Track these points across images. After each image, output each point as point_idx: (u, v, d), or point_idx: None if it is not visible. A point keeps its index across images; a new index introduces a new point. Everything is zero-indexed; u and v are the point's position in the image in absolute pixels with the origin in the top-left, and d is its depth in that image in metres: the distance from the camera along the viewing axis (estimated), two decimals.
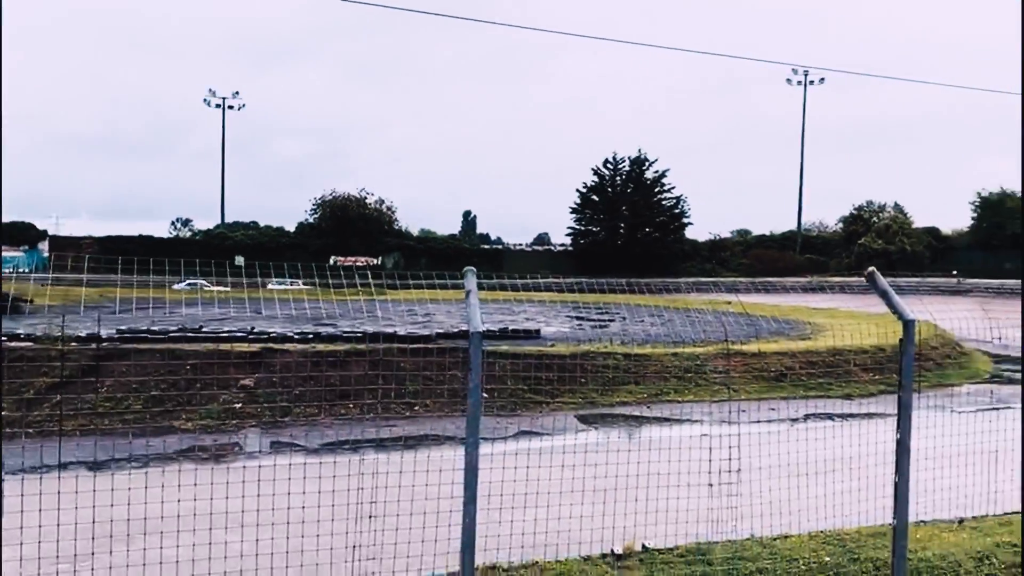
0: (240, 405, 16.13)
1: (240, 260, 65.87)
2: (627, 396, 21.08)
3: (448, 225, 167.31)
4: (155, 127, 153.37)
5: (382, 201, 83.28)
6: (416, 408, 17.09)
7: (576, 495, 7.13)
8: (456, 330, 22.38)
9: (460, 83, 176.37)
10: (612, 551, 7.20)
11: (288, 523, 6.24)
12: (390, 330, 21.72)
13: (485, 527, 6.32)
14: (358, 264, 72.40)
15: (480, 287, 4.79)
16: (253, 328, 21.91)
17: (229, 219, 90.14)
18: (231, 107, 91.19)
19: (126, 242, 72.15)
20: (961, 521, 8.51)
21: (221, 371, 17.07)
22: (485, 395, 17.91)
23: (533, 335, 25.77)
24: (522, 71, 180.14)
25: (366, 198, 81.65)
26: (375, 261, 76.89)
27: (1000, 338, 26.27)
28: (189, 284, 43.84)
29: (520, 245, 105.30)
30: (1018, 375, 26.73)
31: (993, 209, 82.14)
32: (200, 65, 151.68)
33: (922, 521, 8.42)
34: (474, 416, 4.44)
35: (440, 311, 35.03)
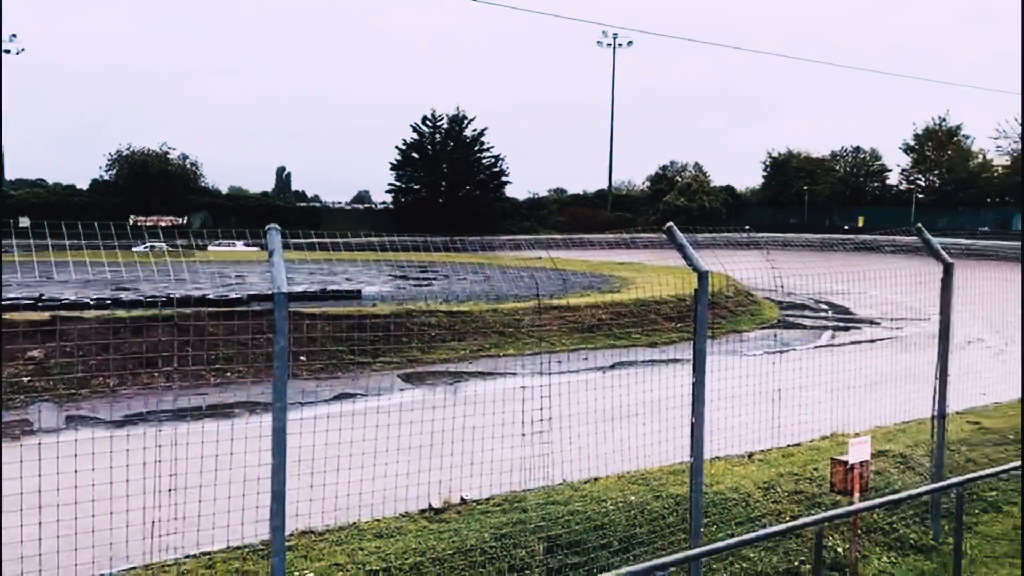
0: (29, 379, 14.76)
1: (25, 221, 60.04)
2: (449, 353, 21.28)
3: (261, 183, 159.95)
4: None
5: (186, 157, 78.23)
6: (228, 375, 16.37)
7: (395, 454, 7.11)
8: (270, 292, 21.57)
9: (276, 36, 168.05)
10: (430, 506, 7.28)
11: (83, 502, 5.79)
12: (198, 293, 20.58)
13: (299, 492, 6.17)
14: (162, 224, 67.82)
15: (297, 247, 4.58)
16: (42, 295, 20.03)
17: (11, 176, 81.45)
18: (7, 51, 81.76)
19: None
20: (751, 455, 9.31)
21: (7, 342, 15.51)
22: (303, 358, 17.44)
23: (353, 295, 25.33)
24: (342, 25, 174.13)
25: (168, 153, 76.34)
26: (181, 220, 72.31)
27: (782, 287, 28.87)
28: None
29: (339, 203, 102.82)
30: (800, 319, 29.52)
31: (780, 169, 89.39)
32: None
33: (717, 457, 9.12)
34: (281, 380, 4.27)
35: (254, 272, 33.61)
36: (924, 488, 6.56)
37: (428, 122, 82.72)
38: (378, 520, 6.99)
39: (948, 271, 7.45)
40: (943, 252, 7.36)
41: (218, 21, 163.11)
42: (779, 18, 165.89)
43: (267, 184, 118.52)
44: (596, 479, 8.10)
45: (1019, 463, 7.30)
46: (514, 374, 17.55)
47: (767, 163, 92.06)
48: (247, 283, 27.89)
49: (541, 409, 6.80)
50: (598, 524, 6.57)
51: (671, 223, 6.15)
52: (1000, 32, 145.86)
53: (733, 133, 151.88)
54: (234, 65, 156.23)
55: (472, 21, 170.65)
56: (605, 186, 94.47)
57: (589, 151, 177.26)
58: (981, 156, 79.50)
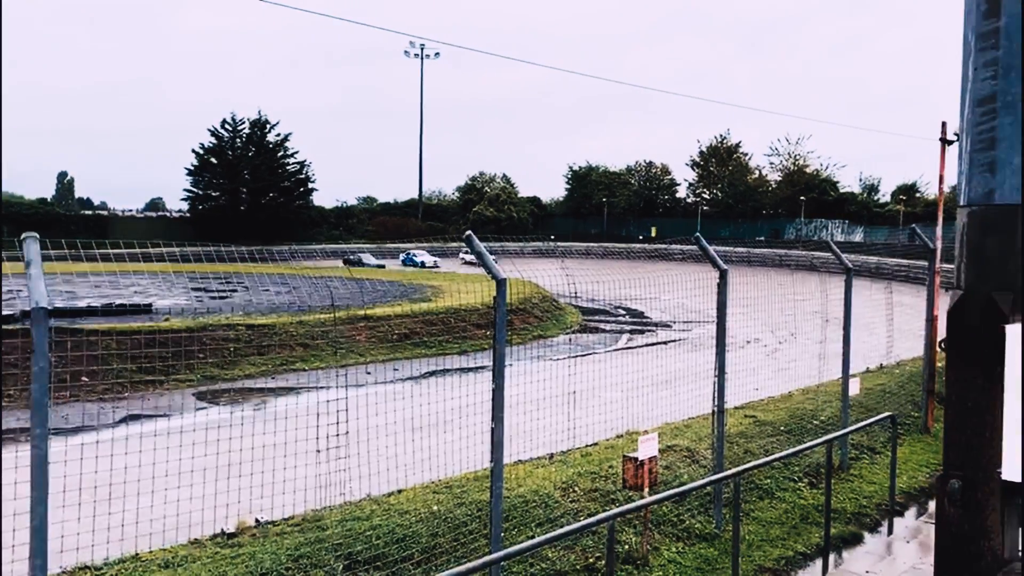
0: None
1: None
2: (251, 369, 20.36)
3: (39, 189, 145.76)
4: None
5: None
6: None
7: (187, 477, 6.68)
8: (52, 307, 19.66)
9: (62, 31, 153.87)
10: (223, 530, 6.89)
11: None
12: None
13: (80, 523, 5.64)
14: None
15: (76, 258, 4.16)
16: None
17: None
18: None
19: None
20: (551, 457, 9.60)
21: None
22: (84, 379, 16.03)
23: (144, 310, 23.66)
24: (137, 23, 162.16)
25: None
26: None
27: (576, 294, 30.29)
28: None
29: (130, 211, 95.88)
30: (601, 324, 30.97)
31: (581, 181, 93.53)
32: None
33: (520, 460, 9.33)
34: (40, 404, 3.87)
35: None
36: (706, 480, 7.05)
37: (228, 126, 78.97)
38: (165, 549, 6.53)
39: (723, 276, 8.07)
40: (719, 259, 7.95)
41: None
42: (579, 37, 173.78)
43: (47, 190, 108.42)
44: (400, 491, 8.02)
45: (790, 451, 8.01)
46: (321, 388, 17.07)
47: (569, 176, 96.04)
48: (22, 296, 25.26)
49: (345, 423, 6.64)
50: (400, 537, 6.49)
51: (470, 232, 6.22)
52: (772, 61, 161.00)
53: (538, 146, 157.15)
54: (11, 59, 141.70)
55: (277, 25, 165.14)
56: (416, 195, 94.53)
57: (399, 160, 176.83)
58: (758, 172, 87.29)
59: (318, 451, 6.48)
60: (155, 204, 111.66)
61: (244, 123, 79.22)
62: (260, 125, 79.48)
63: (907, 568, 6.86)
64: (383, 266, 54.52)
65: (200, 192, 79.15)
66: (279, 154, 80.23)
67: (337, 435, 6.99)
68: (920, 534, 8.32)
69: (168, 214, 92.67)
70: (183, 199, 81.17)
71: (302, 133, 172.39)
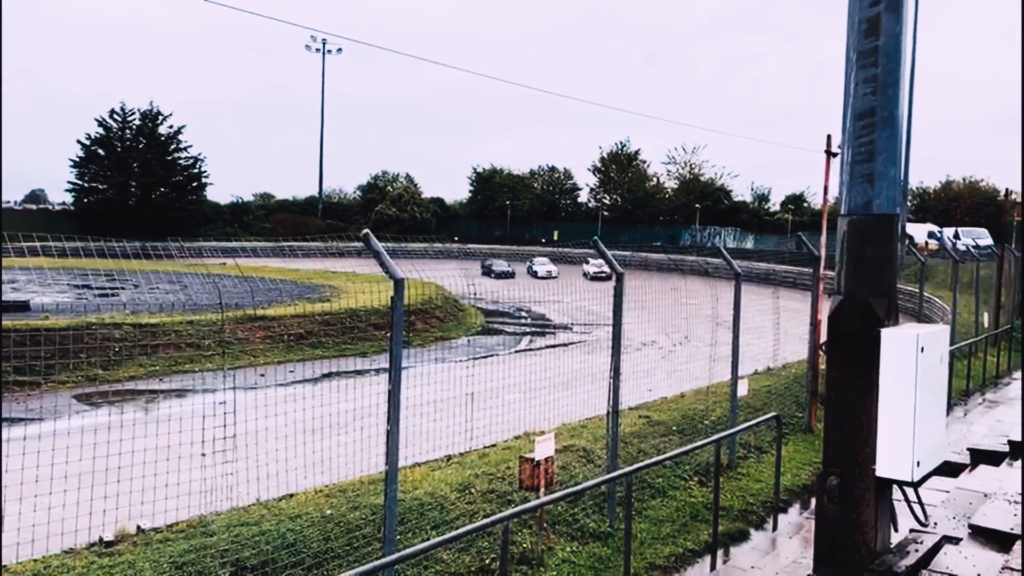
0: None
1: None
2: (137, 370, 19.50)
3: None
4: None
5: None
6: None
7: (62, 483, 6.30)
8: None
9: None
10: (101, 539, 6.53)
11: None
12: None
13: None
14: None
15: None
16: None
17: None
18: None
19: None
20: (449, 459, 9.55)
21: None
22: None
23: (20, 307, 22.33)
24: (15, 8, 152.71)
25: None
26: None
27: (475, 294, 30.42)
28: None
29: (9, 203, 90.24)
30: (503, 326, 31.11)
31: (485, 184, 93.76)
32: None
33: (417, 463, 9.24)
34: None
35: None
36: (599, 479, 7.14)
37: (117, 116, 75.36)
38: (36, 560, 6.14)
39: (620, 280, 8.21)
40: (616, 263, 8.09)
41: None
42: (484, 40, 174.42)
43: None
44: (292, 495, 7.81)
45: (680, 450, 8.21)
46: (213, 390, 16.47)
47: (473, 178, 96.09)
48: None
49: (235, 424, 6.41)
50: (291, 542, 6.31)
51: (367, 230, 6.12)
52: (669, 73, 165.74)
53: (442, 147, 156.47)
54: None
55: (175, 15, 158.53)
56: (315, 193, 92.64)
57: (298, 157, 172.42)
58: (656, 179, 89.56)
59: (203, 455, 6.22)
60: (35, 196, 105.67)
61: (135, 114, 75.85)
62: (151, 117, 76.18)
63: (790, 562, 7.12)
64: (512, 274, 48.42)
65: (85, 184, 75.25)
66: (171, 147, 77.10)
67: (224, 438, 6.74)
68: (802, 529, 8.67)
69: (50, 207, 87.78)
70: (67, 191, 77.09)
71: (198, 127, 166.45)
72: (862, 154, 5.40)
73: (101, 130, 75.15)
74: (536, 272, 50.69)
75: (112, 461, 6.47)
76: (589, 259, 46.89)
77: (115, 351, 19.32)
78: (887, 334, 5.13)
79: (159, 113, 76.49)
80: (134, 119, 75.86)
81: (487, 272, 51.41)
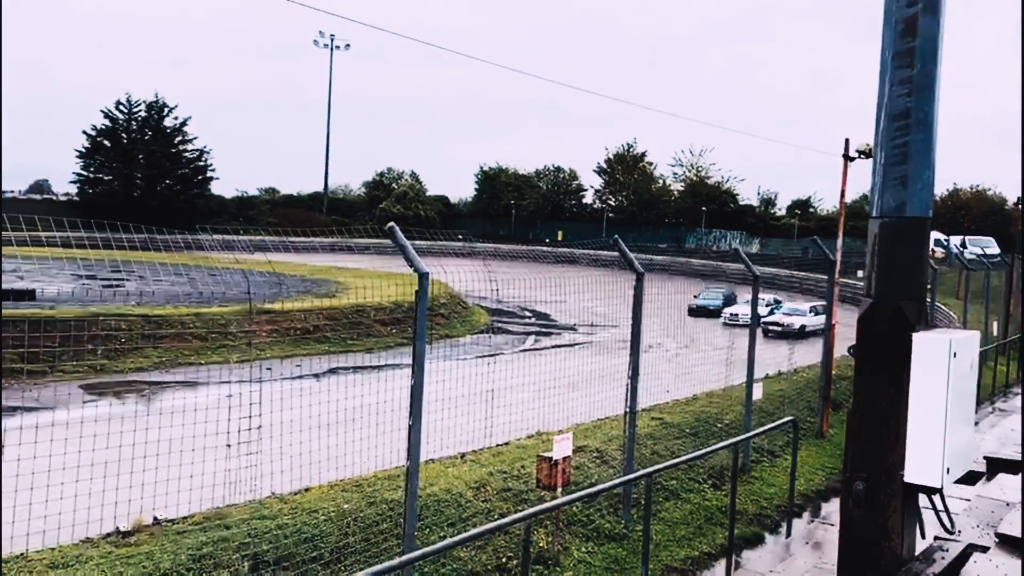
0: None
1: None
2: (143, 361, 19.49)
3: None
4: None
5: None
6: None
7: (78, 473, 6.25)
8: None
9: None
10: (118, 529, 6.50)
11: None
12: None
13: None
14: None
15: None
16: None
17: None
18: None
19: None
20: (463, 456, 9.50)
21: None
22: None
23: (27, 296, 22.30)
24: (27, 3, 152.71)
25: None
26: None
27: (496, 292, 30.30)
28: None
29: (12, 192, 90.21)
30: (508, 325, 31.07)
31: (491, 182, 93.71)
32: None
33: (431, 460, 9.19)
34: None
35: None
36: (617, 480, 7.10)
37: (123, 108, 75.31)
38: (53, 549, 6.10)
39: (640, 279, 8.17)
40: (636, 262, 8.05)
41: None
42: (492, 40, 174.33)
43: None
44: (308, 489, 7.77)
45: (699, 452, 8.17)
46: (221, 382, 16.45)
47: (479, 177, 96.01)
48: None
49: (249, 418, 6.36)
50: (308, 536, 6.27)
51: (392, 223, 6.08)
52: (672, 76, 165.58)
53: (450, 147, 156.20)
54: None
55: (182, 11, 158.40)
56: (321, 188, 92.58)
57: (304, 153, 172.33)
58: (661, 181, 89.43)
59: (228, 445, 6.18)
60: (40, 186, 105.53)
61: (140, 106, 75.81)
62: (157, 109, 76.13)
63: (807, 568, 7.08)
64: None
65: (91, 175, 75.29)
66: (177, 139, 77.04)
67: (239, 431, 6.70)
68: (817, 535, 8.63)
69: (54, 197, 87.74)
70: (72, 182, 77.10)
71: (205, 121, 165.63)
72: (896, 156, 5.33)
73: (107, 122, 75.12)
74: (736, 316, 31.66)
75: (124, 452, 6.43)
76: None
77: (122, 342, 19.30)
78: (919, 338, 5.06)
79: (164, 105, 76.44)
80: (140, 111, 75.84)
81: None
